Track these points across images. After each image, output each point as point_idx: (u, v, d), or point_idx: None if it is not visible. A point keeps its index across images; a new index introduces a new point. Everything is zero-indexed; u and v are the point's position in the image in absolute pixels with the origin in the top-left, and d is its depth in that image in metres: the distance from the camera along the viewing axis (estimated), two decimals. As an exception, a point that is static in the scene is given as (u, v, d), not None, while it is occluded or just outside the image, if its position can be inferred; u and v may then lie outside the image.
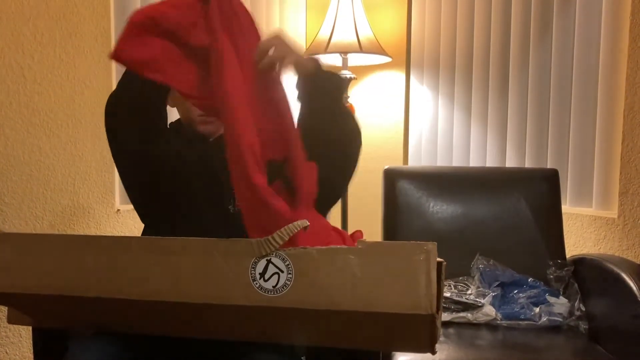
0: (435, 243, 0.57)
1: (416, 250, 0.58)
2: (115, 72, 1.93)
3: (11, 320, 1.02)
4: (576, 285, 1.68)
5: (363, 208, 2.57)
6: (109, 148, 1.17)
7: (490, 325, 1.60)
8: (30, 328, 1.31)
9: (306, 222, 0.62)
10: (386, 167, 2.01)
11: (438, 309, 0.59)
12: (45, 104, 1.78)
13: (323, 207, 1.09)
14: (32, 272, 0.75)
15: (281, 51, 0.97)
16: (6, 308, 1.04)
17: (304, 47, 2.58)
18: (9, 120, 1.72)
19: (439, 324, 0.64)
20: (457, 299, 1.64)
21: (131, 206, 1.25)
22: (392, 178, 1.97)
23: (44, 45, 1.76)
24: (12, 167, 1.73)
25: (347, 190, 1.29)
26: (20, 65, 1.73)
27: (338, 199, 1.22)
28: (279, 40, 0.99)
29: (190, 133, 1.23)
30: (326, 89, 1.12)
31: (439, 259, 0.58)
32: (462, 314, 1.61)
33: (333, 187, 1.15)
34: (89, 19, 1.84)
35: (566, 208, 2.10)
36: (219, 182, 1.16)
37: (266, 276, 0.62)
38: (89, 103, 1.86)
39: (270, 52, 0.97)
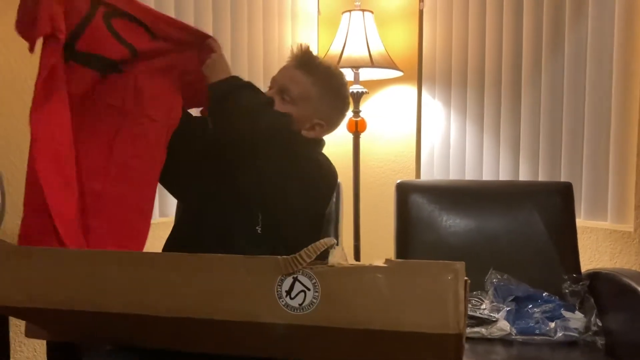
0: (464, 263, 0.57)
1: (444, 270, 0.58)
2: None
3: (29, 334, 1.03)
4: (592, 300, 1.67)
5: (375, 222, 2.57)
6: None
7: (505, 341, 1.58)
8: (45, 343, 1.31)
9: (333, 240, 0.63)
10: (398, 181, 2.01)
11: (463, 328, 0.59)
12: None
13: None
14: (53, 287, 0.76)
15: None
16: (23, 322, 1.05)
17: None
18: (25, 135, 1.73)
19: (464, 342, 0.63)
20: (471, 313, 1.63)
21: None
22: (404, 192, 1.97)
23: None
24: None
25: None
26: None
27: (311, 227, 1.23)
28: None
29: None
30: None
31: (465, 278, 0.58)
32: (476, 329, 1.60)
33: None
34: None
35: (581, 222, 2.08)
36: (247, 203, 1.17)
37: (292, 294, 0.62)
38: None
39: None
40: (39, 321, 0.93)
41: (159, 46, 1.19)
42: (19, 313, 0.94)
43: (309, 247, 0.61)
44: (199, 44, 1.25)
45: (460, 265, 0.57)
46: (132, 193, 1.15)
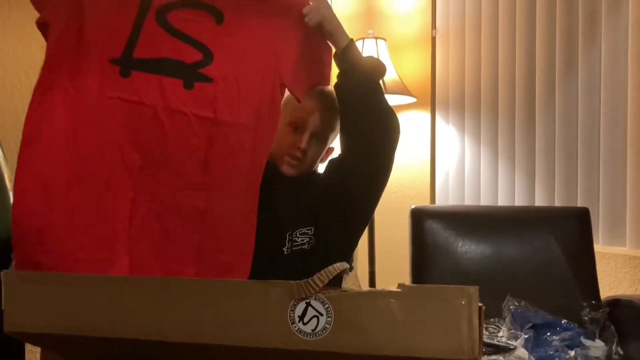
0: (477, 287, 0.56)
1: (457, 294, 0.58)
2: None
3: (45, 361, 1.03)
4: (612, 327, 1.63)
5: (390, 248, 2.56)
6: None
7: (524, 369, 1.56)
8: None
9: (345, 265, 0.63)
10: (413, 206, 2.01)
11: (479, 354, 0.58)
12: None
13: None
14: (70, 313, 0.76)
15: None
16: (38, 349, 1.05)
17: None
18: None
19: (479, 369, 0.63)
20: (488, 341, 1.61)
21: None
22: (419, 218, 1.96)
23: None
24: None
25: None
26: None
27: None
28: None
29: (271, 168, 1.25)
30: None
31: (479, 304, 0.58)
32: (493, 357, 1.58)
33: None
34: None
35: (599, 247, 2.05)
36: (280, 224, 1.20)
37: (305, 319, 0.62)
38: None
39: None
40: (56, 348, 0.93)
41: (230, 32, 1.09)
42: (36, 340, 0.95)
43: (322, 271, 0.62)
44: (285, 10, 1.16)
45: (474, 290, 0.57)
46: (236, 207, 1.08)
